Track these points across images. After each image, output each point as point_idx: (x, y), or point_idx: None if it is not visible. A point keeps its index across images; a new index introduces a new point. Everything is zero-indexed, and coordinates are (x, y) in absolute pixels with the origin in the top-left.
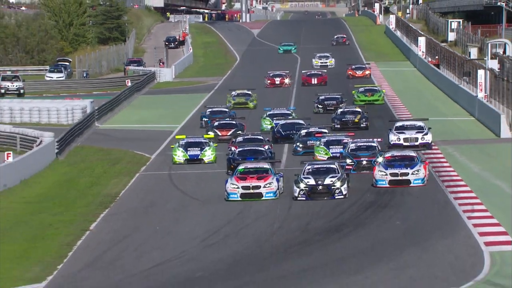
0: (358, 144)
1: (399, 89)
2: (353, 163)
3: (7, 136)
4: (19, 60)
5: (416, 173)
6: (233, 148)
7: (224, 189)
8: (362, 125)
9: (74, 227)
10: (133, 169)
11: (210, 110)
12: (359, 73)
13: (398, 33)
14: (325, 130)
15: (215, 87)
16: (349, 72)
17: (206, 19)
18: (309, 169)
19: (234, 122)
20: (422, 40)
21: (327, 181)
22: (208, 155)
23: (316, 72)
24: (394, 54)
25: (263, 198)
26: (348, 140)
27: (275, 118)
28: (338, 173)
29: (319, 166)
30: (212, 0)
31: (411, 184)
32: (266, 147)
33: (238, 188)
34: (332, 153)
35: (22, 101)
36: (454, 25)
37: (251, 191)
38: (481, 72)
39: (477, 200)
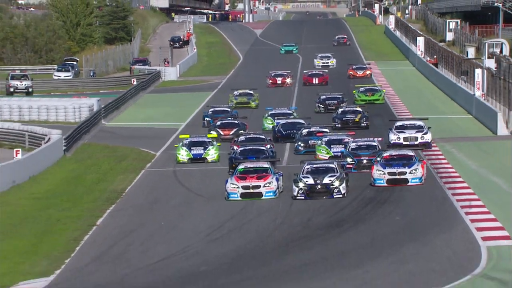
0: (359, 143)
1: (399, 88)
2: (353, 162)
3: (16, 134)
4: (28, 60)
5: (414, 172)
6: (235, 147)
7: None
8: (362, 125)
9: (81, 222)
10: (138, 166)
11: (212, 109)
12: (360, 73)
13: (398, 33)
14: (326, 130)
15: (218, 85)
16: (350, 72)
17: (210, 19)
18: (308, 168)
19: (236, 121)
20: (420, 40)
21: (326, 180)
22: (212, 154)
23: (317, 72)
24: (393, 54)
25: (263, 197)
26: (349, 139)
27: (276, 118)
28: (337, 172)
29: (318, 165)
30: (216, 1)
31: (409, 183)
32: (268, 146)
33: (238, 187)
34: (333, 152)
35: (31, 99)
36: (452, 25)
37: (251, 190)
38: (478, 71)
39: (475, 196)
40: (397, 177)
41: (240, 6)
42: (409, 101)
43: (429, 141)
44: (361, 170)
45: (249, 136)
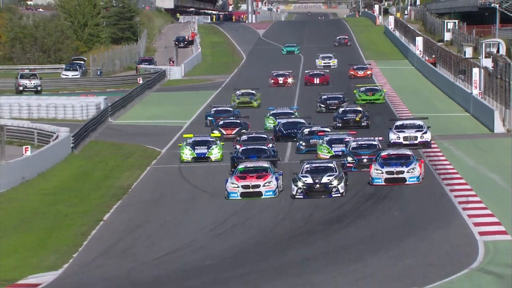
0: (359, 143)
1: (398, 86)
2: (354, 161)
3: (25, 131)
4: (37, 59)
5: (412, 171)
6: (237, 147)
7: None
8: (363, 124)
9: (89, 217)
10: (144, 163)
11: (214, 109)
12: (360, 73)
13: (397, 33)
14: (328, 129)
15: (222, 84)
16: (351, 72)
17: (214, 20)
18: (307, 167)
19: (238, 121)
20: (419, 40)
21: (325, 179)
22: (215, 153)
23: (318, 72)
24: (393, 53)
25: (263, 196)
26: (350, 138)
27: (278, 117)
28: (336, 171)
29: (317, 164)
30: (220, 1)
31: (407, 182)
32: (270, 145)
33: (238, 187)
34: (334, 151)
35: (39, 98)
36: (450, 25)
37: (251, 190)
38: (475, 70)
39: (472, 192)
40: (395, 176)
41: (243, 7)
42: (408, 99)
43: (429, 140)
44: (362, 169)
45: (251, 135)
